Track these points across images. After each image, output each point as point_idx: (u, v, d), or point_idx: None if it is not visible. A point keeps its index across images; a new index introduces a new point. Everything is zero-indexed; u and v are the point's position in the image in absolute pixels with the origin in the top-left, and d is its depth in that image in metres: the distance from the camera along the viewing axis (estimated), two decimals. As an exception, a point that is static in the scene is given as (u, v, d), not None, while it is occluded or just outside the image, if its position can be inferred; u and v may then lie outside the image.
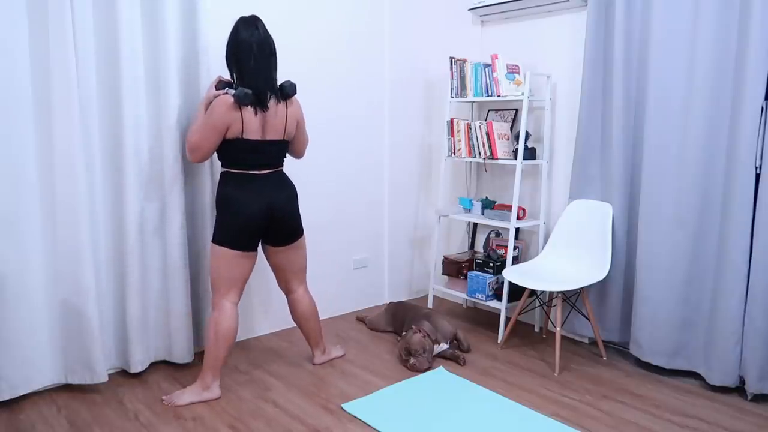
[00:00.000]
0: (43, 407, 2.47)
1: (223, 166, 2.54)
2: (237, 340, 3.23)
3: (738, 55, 2.54)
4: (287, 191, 2.59)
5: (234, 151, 2.47)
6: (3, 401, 2.47)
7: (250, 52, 2.41)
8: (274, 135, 2.51)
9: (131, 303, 2.66)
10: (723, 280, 2.62)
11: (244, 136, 2.44)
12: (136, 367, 2.72)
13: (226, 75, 2.98)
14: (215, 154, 2.76)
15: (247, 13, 3.01)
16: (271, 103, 2.48)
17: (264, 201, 2.50)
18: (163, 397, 2.53)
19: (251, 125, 2.43)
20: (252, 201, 2.47)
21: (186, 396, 2.51)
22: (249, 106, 2.41)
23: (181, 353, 2.82)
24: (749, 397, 2.63)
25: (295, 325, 3.43)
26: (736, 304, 2.59)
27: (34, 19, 2.34)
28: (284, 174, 2.63)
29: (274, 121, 2.50)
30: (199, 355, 3.01)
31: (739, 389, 2.70)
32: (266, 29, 2.48)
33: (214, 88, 2.53)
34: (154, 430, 2.31)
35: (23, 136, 2.37)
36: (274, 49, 2.50)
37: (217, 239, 2.50)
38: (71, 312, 2.53)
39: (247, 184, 2.49)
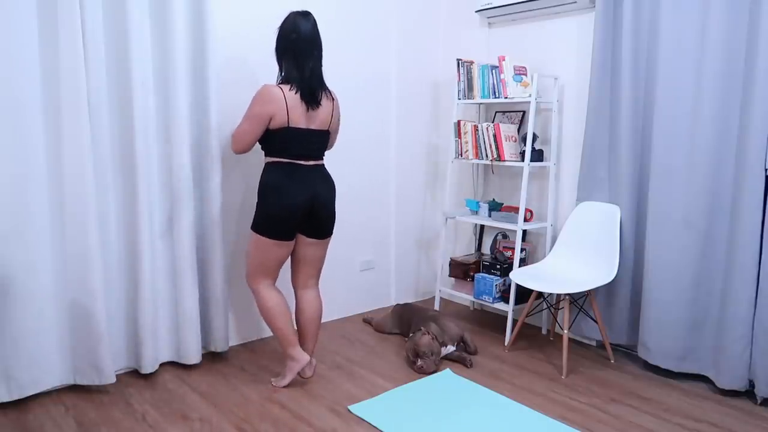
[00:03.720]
0: (51, 407, 2.49)
1: (267, 155, 2.57)
2: (243, 342, 3.24)
3: (747, 56, 2.53)
4: (330, 185, 2.64)
5: (280, 140, 2.49)
6: (12, 401, 2.49)
7: (304, 48, 2.48)
8: (319, 125, 2.56)
9: (142, 304, 2.67)
10: (732, 283, 2.61)
11: (291, 125, 2.47)
12: (147, 368, 2.73)
13: (235, 77, 3.00)
14: (258, 145, 2.74)
15: (252, 14, 3.04)
16: (322, 98, 2.55)
17: (309, 192, 2.53)
18: (271, 382, 2.71)
19: (296, 114, 2.47)
20: (298, 191, 2.50)
21: (286, 378, 2.67)
22: (300, 99, 2.47)
23: (190, 354, 2.83)
24: (759, 401, 2.61)
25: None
26: (746, 307, 2.57)
27: (44, 23, 2.36)
28: (326, 169, 2.66)
29: (320, 112, 2.55)
30: (206, 356, 3.02)
31: (749, 393, 2.68)
32: (317, 25, 2.53)
33: None
34: (161, 430, 2.31)
35: (33, 139, 2.38)
36: (321, 44, 2.55)
37: (256, 227, 2.55)
38: (79, 313, 2.54)
39: (293, 174, 2.52)
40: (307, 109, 2.50)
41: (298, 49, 2.47)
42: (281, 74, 2.55)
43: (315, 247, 2.71)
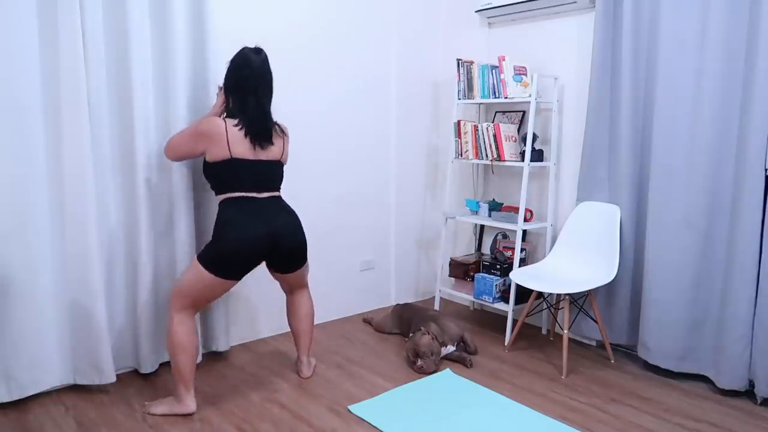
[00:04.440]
0: (52, 407, 2.49)
1: (218, 193, 2.45)
2: (243, 342, 3.24)
3: (747, 56, 2.53)
4: (291, 218, 2.51)
5: (226, 173, 2.38)
6: (12, 401, 2.49)
7: (255, 86, 2.41)
8: (269, 156, 2.46)
9: (142, 304, 2.67)
10: (732, 283, 2.61)
11: (234, 156, 2.36)
12: (147, 368, 2.73)
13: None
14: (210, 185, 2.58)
15: (252, 15, 3.04)
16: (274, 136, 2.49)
17: (267, 227, 2.39)
18: (145, 403, 2.49)
19: (239, 148, 2.37)
20: (255, 225, 2.36)
21: (161, 407, 2.43)
22: (245, 136, 2.38)
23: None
24: (759, 401, 2.61)
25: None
26: (746, 307, 2.57)
27: (44, 23, 2.36)
28: (284, 200, 2.55)
29: (270, 147, 2.47)
30: (206, 356, 3.02)
31: (749, 393, 2.68)
32: (268, 62, 2.48)
33: (217, 99, 2.57)
34: (161, 430, 2.31)
35: (33, 139, 2.38)
36: (272, 80, 2.49)
37: (203, 260, 2.35)
38: (80, 313, 2.54)
39: (247, 208, 2.39)
40: (260, 146, 2.41)
41: (248, 86, 2.40)
42: (228, 107, 2.48)
43: (292, 275, 2.64)
